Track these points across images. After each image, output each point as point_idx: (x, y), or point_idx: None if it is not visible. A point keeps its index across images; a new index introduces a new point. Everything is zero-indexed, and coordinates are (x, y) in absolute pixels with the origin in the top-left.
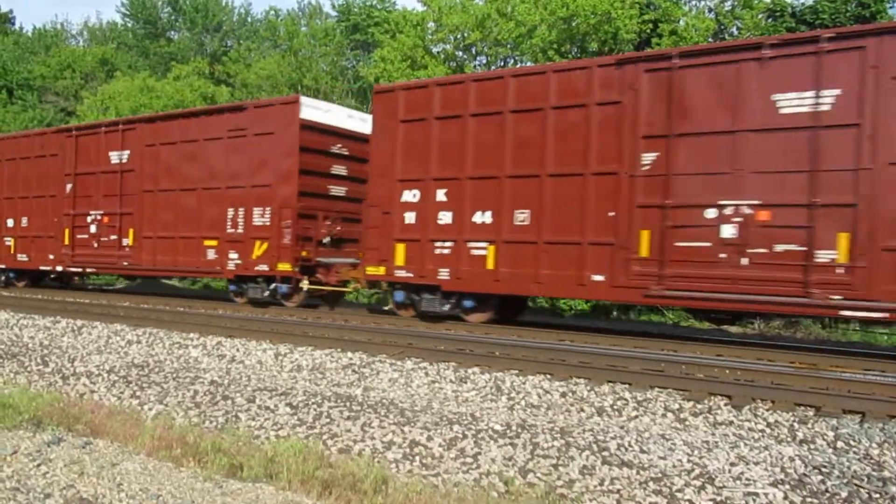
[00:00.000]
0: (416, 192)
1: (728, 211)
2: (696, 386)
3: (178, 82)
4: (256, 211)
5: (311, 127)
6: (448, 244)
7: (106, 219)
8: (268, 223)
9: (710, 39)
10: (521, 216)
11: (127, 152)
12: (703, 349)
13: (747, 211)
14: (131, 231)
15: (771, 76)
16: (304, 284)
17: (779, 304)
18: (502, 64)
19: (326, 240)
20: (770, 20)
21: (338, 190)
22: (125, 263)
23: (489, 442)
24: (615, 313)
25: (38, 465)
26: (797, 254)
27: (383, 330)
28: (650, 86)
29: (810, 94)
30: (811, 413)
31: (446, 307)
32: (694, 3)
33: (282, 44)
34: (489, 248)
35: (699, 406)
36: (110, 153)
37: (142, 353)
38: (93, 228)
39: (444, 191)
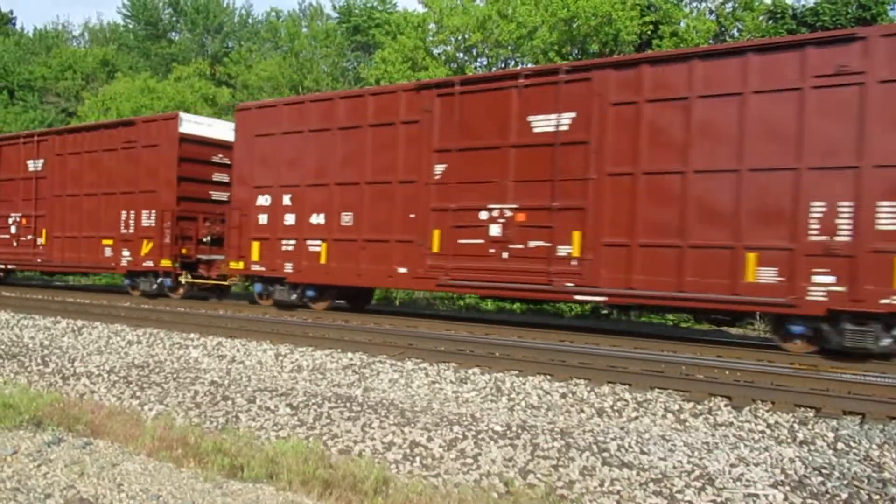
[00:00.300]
0: (268, 197)
1: (495, 213)
2: (697, 387)
3: (179, 83)
4: (144, 214)
5: (190, 140)
6: (292, 242)
7: (24, 220)
8: (153, 224)
9: (711, 41)
10: (346, 218)
11: (41, 161)
12: (703, 350)
13: (508, 213)
14: (44, 231)
15: (526, 101)
16: (184, 278)
17: (529, 290)
18: (503, 65)
19: (206, 239)
20: (771, 22)
21: (219, 195)
22: (39, 260)
23: (489, 443)
24: (615, 314)
25: (39, 466)
26: (543, 249)
27: (384, 330)
28: (441, 108)
29: (553, 116)
30: (811, 414)
31: (294, 297)
32: (695, 4)
33: (283, 45)
34: (322, 245)
35: (699, 407)
36: (28, 161)
37: (142, 353)
38: (13, 229)
39: (290, 196)
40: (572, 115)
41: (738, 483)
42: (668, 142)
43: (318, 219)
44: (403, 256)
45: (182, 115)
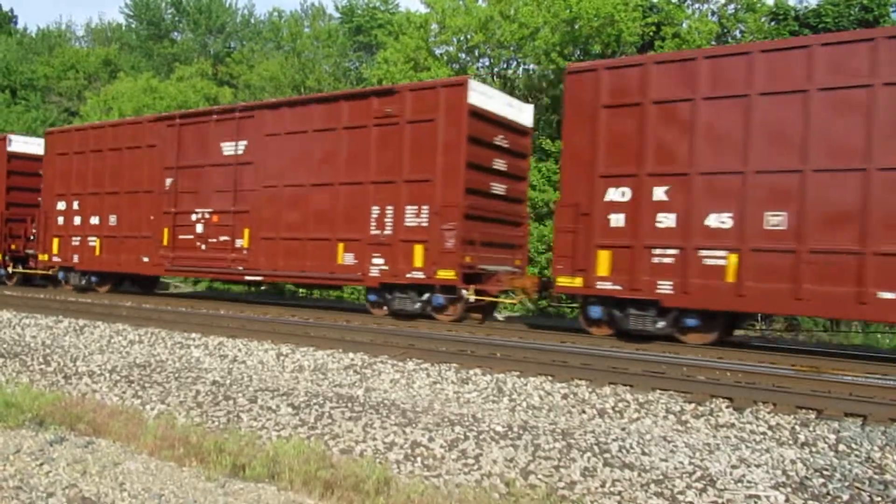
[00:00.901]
0: (64, 203)
1: (200, 216)
2: (698, 388)
3: (182, 83)
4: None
5: (20, 157)
6: (78, 239)
7: None
8: None
9: (713, 42)
10: (113, 219)
11: None
12: (704, 351)
13: (207, 216)
14: None
15: (219, 131)
16: (10, 268)
17: (219, 272)
18: (505, 66)
19: (32, 237)
20: (773, 23)
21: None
22: None
23: (491, 443)
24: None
25: (41, 465)
26: (227, 242)
27: (385, 331)
28: (169, 135)
29: (233, 143)
30: (813, 416)
31: (83, 281)
32: (697, 6)
33: (285, 45)
34: (97, 241)
35: (701, 408)
36: None
37: (144, 352)
38: None
39: (78, 202)
40: (245, 142)
41: (740, 484)
42: (307, 163)
43: (94, 220)
44: (147, 249)
45: (10, 136)
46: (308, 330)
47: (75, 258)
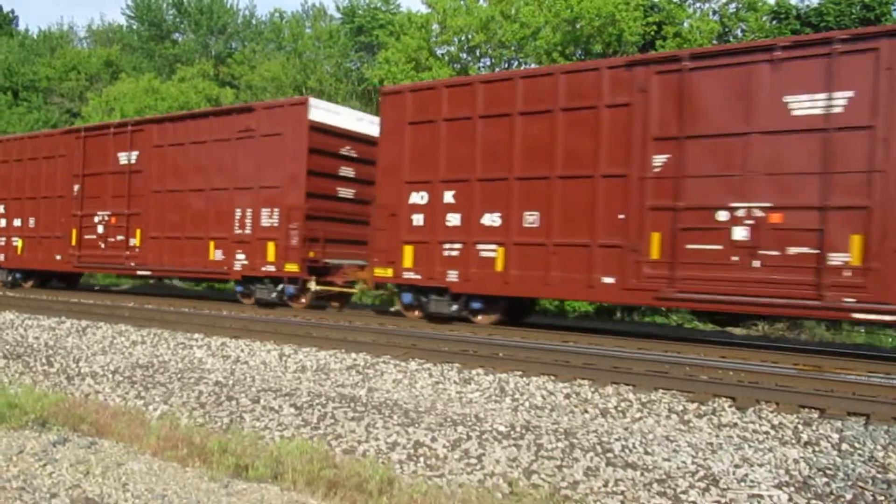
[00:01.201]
0: (2, 207)
1: (101, 218)
2: (701, 388)
3: (183, 84)
4: None
5: None
6: (3, 239)
7: None
8: None
9: (714, 42)
10: (32, 222)
11: None
12: (706, 351)
13: (107, 218)
14: None
15: (116, 143)
16: None
17: (116, 268)
18: (507, 66)
19: None
20: (775, 22)
21: None
22: None
23: (493, 443)
24: (619, 314)
25: (44, 465)
26: (123, 241)
27: (387, 331)
28: (77, 147)
29: (127, 153)
30: (815, 415)
31: (10, 278)
32: (698, 5)
33: (286, 46)
34: (20, 241)
35: (703, 408)
36: None
37: (146, 353)
38: None
39: (3, 206)
40: (136, 152)
41: (743, 484)
42: (185, 171)
43: (17, 222)
44: (59, 247)
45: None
46: (310, 330)
47: (1, 257)
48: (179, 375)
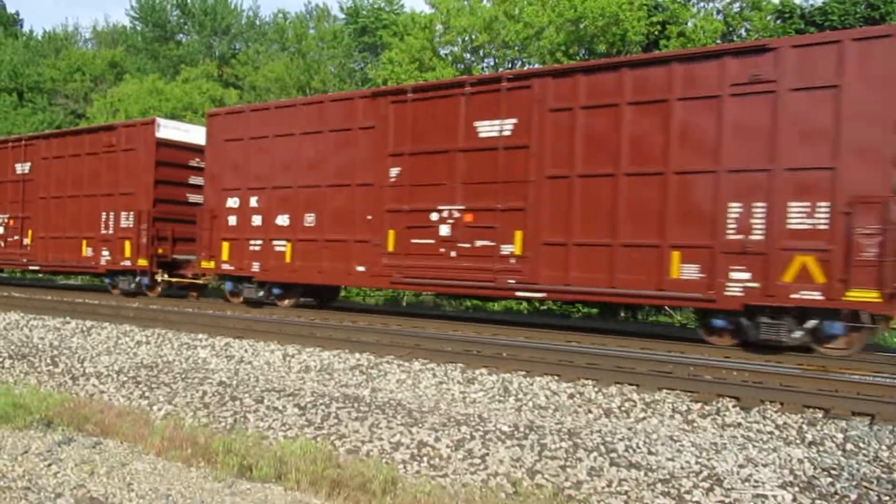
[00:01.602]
0: None
1: (2, 220)
2: (705, 387)
3: (187, 85)
4: None
5: None
6: None
7: None
8: None
9: (718, 41)
10: (2, 219)
11: None
12: (710, 351)
13: (5, 220)
14: None
15: (14, 155)
16: None
17: (12, 264)
18: (510, 66)
19: None
20: (779, 21)
21: None
22: None
23: (497, 443)
24: (623, 314)
25: (49, 465)
26: (18, 240)
27: (391, 331)
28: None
29: (22, 164)
30: (820, 415)
31: None
32: (702, 4)
33: (290, 46)
34: None
35: (707, 408)
36: None
37: (151, 353)
38: None
39: None
40: (29, 164)
41: (747, 484)
42: (64, 179)
43: None
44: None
45: None
46: (314, 331)
47: None
48: (183, 375)
